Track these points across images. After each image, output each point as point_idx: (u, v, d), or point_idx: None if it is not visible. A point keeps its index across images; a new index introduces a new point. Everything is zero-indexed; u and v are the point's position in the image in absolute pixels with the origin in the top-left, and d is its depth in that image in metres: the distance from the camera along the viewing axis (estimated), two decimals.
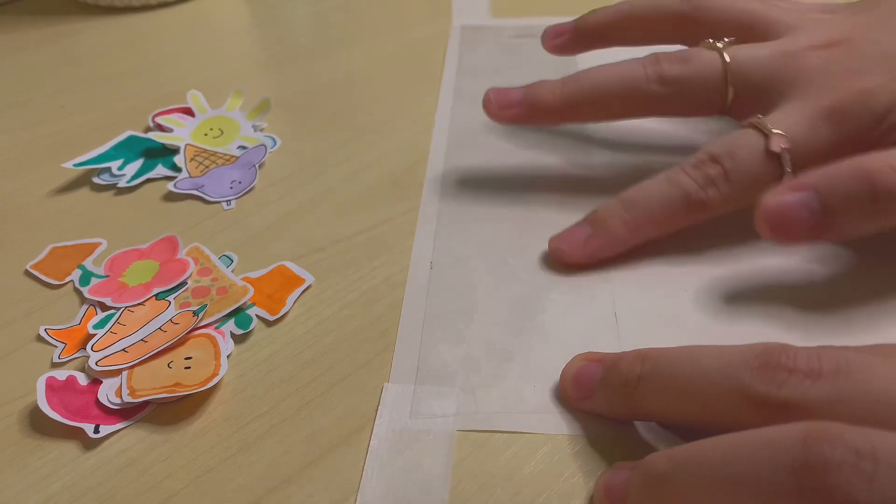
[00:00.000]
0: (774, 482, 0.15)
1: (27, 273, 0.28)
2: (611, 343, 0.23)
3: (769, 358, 0.17)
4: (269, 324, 0.25)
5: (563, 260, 0.26)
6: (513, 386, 0.22)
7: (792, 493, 0.15)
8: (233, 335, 0.25)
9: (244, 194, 0.31)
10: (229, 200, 0.31)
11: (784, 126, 0.24)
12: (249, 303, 0.25)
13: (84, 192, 0.32)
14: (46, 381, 0.22)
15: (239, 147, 0.34)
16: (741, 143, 0.24)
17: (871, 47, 0.25)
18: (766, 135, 0.24)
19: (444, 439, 0.21)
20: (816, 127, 0.24)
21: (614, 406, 0.20)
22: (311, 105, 0.37)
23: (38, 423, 0.22)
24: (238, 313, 0.25)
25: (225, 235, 0.29)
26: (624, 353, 0.21)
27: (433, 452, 0.20)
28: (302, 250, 0.28)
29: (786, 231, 0.22)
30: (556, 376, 0.22)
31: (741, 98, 0.27)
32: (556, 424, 0.21)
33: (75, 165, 0.32)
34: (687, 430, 0.19)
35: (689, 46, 0.29)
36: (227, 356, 0.24)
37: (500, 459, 0.20)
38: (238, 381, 0.23)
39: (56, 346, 0.24)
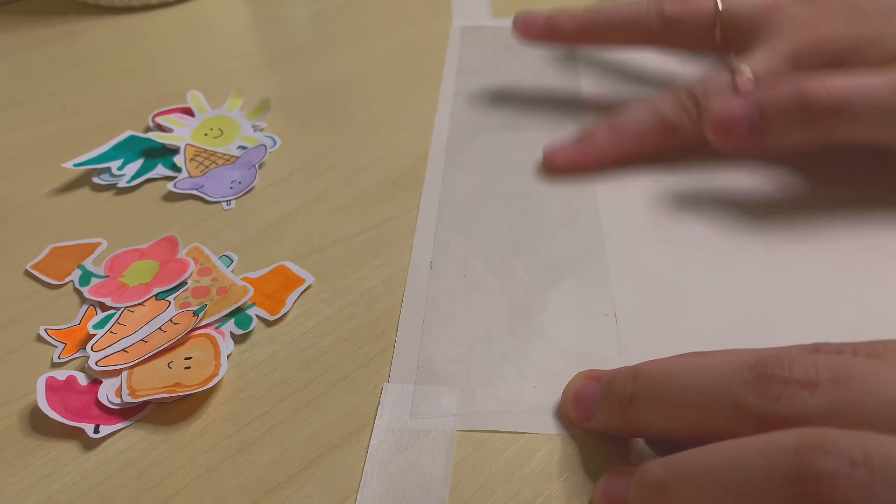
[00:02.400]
0: (770, 493, 0.15)
1: (27, 273, 0.28)
2: (611, 343, 0.23)
3: (763, 370, 0.17)
4: (269, 324, 0.25)
5: (552, 165, 0.31)
6: (513, 386, 0.22)
7: None
8: (233, 335, 0.25)
9: (244, 194, 0.31)
10: (229, 200, 0.31)
11: (753, 66, 0.28)
12: (249, 303, 0.26)
13: (84, 192, 0.32)
14: (46, 381, 0.22)
15: (239, 147, 0.34)
16: (714, 80, 0.29)
17: (842, 3, 0.29)
18: (735, 73, 0.28)
19: (444, 439, 0.21)
20: (779, 67, 0.28)
21: (613, 425, 0.20)
22: (311, 105, 0.37)
23: (38, 423, 0.22)
24: (238, 313, 0.25)
25: (225, 235, 0.29)
26: (618, 371, 0.20)
27: (433, 452, 0.20)
28: (302, 250, 0.28)
29: (727, 134, 0.26)
30: (556, 376, 0.22)
31: (728, 38, 0.31)
32: (556, 424, 0.21)
33: (75, 165, 0.32)
34: (686, 445, 0.19)
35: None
36: (227, 356, 0.24)
37: (500, 459, 0.20)
38: (238, 381, 0.23)
39: (56, 346, 0.24)
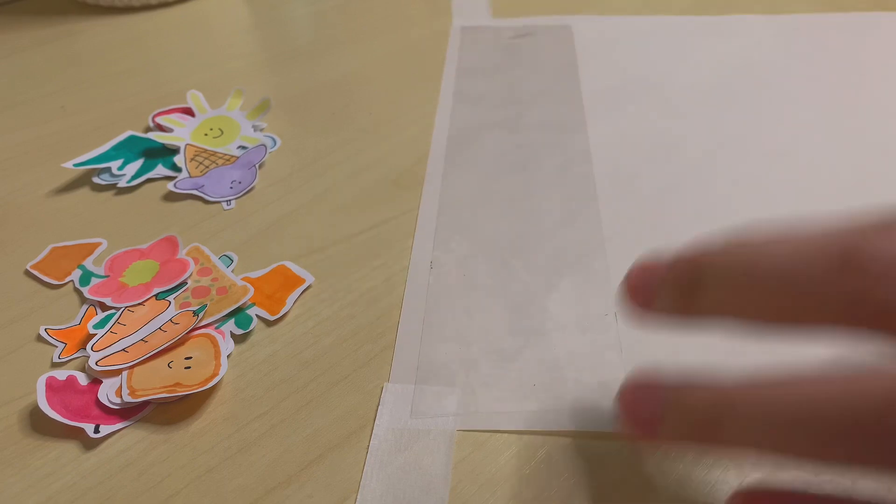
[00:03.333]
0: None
1: (27, 273, 0.28)
2: (611, 343, 0.23)
3: (854, 255, 0.14)
4: (269, 324, 0.25)
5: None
6: (513, 385, 0.22)
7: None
8: (233, 335, 0.25)
9: (244, 194, 0.31)
10: (229, 200, 0.31)
11: None
12: (249, 303, 0.26)
13: (84, 192, 0.32)
14: (46, 380, 0.22)
15: (239, 147, 0.34)
16: None
17: None
18: None
19: (444, 439, 0.21)
20: None
21: (677, 309, 0.17)
22: (311, 105, 0.37)
23: (38, 423, 0.22)
24: (238, 313, 0.25)
25: (225, 235, 0.29)
26: (681, 252, 0.18)
27: (433, 452, 0.20)
28: (302, 250, 0.28)
29: None
30: (556, 376, 0.22)
31: None
32: (557, 423, 0.21)
33: (75, 165, 0.32)
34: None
35: None
36: (227, 356, 0.24)
37: (500, 459, 0.20)
38: (238, 381, 0.23)
39: (56, 346, 0.24)
